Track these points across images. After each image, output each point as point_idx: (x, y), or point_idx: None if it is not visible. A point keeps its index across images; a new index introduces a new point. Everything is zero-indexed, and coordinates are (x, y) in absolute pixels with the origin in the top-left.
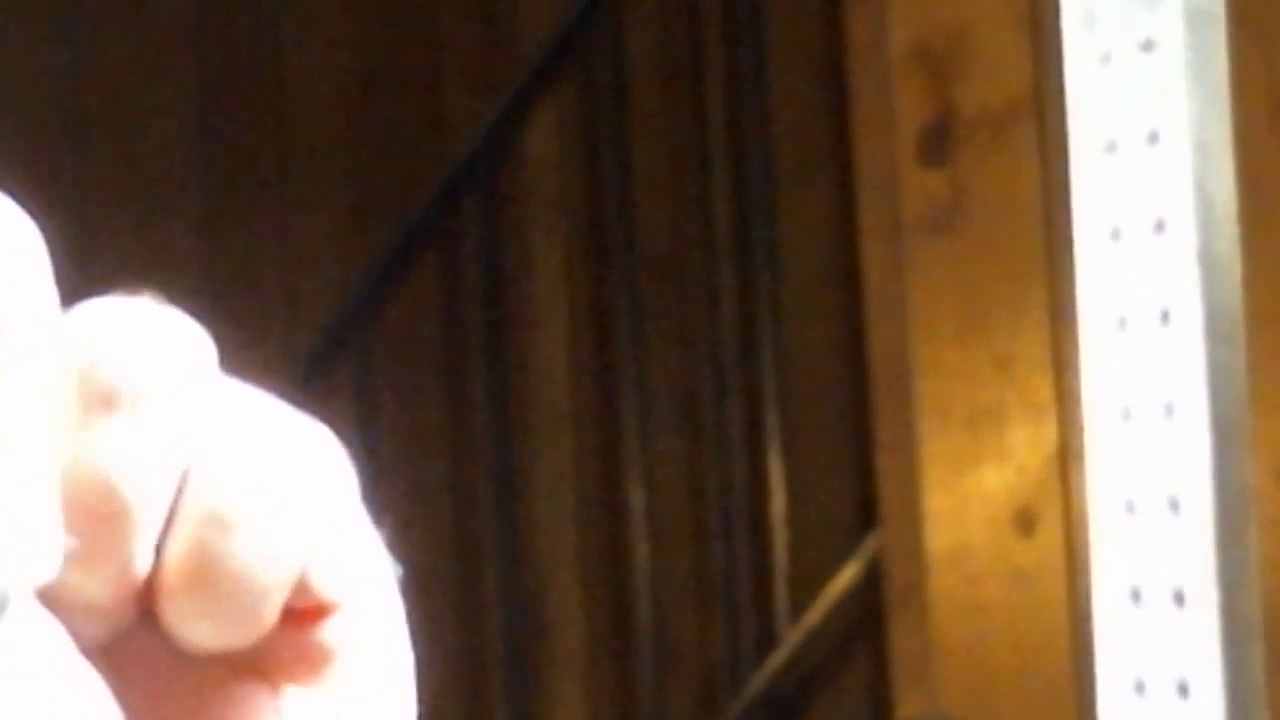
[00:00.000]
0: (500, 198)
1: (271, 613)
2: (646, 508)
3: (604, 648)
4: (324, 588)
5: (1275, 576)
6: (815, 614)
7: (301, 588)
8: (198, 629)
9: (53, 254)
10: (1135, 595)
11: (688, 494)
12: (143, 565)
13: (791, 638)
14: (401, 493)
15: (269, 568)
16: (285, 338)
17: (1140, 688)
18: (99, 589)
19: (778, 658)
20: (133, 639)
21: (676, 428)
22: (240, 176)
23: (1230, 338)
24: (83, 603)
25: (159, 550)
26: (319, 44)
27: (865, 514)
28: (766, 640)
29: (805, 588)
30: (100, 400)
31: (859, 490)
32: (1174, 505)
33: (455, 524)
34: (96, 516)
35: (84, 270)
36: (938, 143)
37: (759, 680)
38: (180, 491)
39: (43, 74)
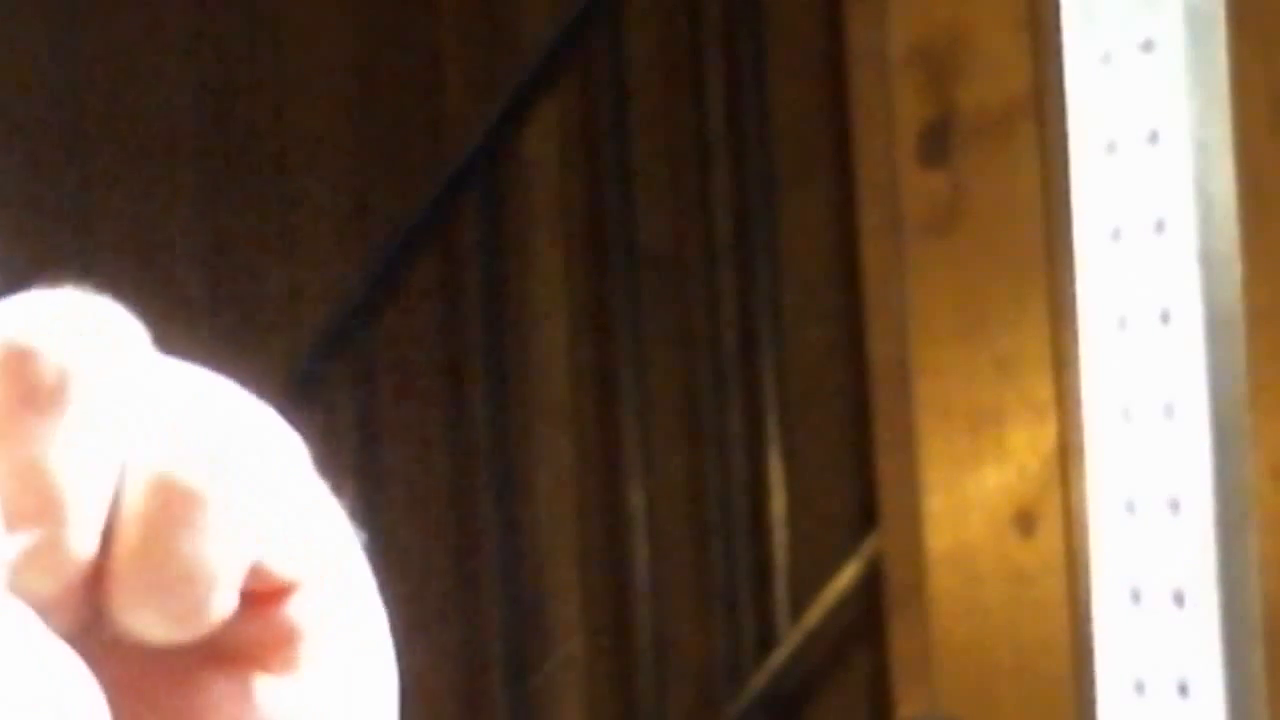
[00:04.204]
0: (500, 198)
1: (224, 601)
2: (646, 508)
3: (604, 648)
4: (282, 569)
5: (1275, 576)
6: (815, 614)
7: (258, 572)
8: (146, 620)
9: (53, 254)
10: (1135, 595)
11: (688, 494)
12: (87, 557)
13: (791, 638)
14: (401, 493)
15: (217, 555)
16: (285, 338)
17: (1140, 688)
18: (45, 584)
19: (778, 658)
20: (93, 633)
21: (676, 428)
22: (240, 176)
23: (1230, 338)
24: (32, 598)
25: (106, 541)
26: (319, 44)
27: (865, 514)
28: (766, 640)
29: (805, 588)
30: (29, 395)
31: (859, 490)
32: (1174, 505)
33: (455, 524)
34: (35, 513)
35: (84, 270)
36: (938, 143)
37: (759, 680)
38: (122, 480)
39: (43, 74)
